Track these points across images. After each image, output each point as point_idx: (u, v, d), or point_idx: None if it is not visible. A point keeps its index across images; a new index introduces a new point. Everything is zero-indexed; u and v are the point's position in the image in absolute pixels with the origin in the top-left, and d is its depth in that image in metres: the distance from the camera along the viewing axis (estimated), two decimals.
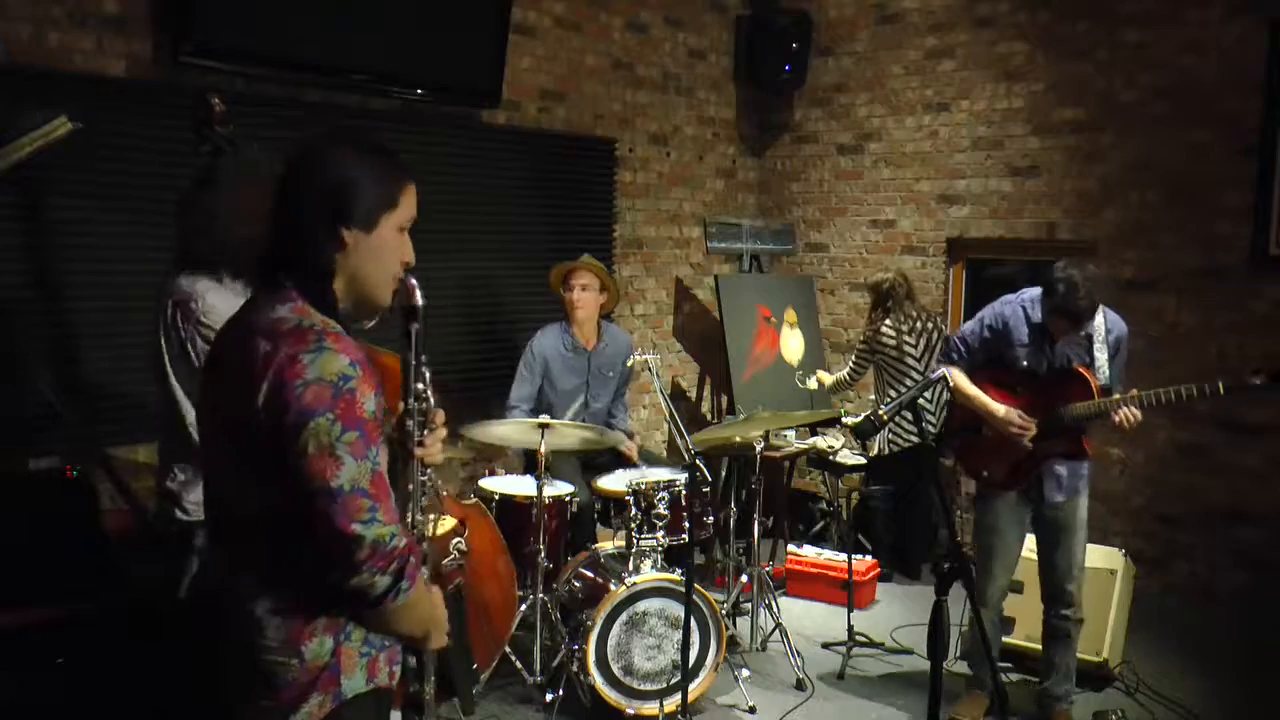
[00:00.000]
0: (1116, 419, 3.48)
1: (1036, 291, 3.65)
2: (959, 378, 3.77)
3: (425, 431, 1.84)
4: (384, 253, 1.76)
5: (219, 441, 1.73)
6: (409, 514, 1.83)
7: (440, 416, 1.88)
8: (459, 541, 3.37)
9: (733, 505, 4.94)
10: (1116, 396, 3.53)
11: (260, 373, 1.60)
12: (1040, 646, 3.91)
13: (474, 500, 4.01)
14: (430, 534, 1.95)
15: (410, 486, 1.83)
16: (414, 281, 1.81)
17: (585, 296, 4.62)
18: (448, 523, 3.40)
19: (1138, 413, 3.47)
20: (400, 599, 1.66)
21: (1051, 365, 3.65)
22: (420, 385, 1.83)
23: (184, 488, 2.65)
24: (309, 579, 1.65)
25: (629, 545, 3.86)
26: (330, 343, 1.63)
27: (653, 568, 3.82)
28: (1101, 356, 3.61)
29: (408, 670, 1.86)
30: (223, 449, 1.71)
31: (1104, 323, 3.62)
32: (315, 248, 1.71)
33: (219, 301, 2.56)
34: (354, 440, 1.60)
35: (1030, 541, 3.90)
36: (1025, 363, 3.67)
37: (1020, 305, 3.70)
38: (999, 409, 3.66)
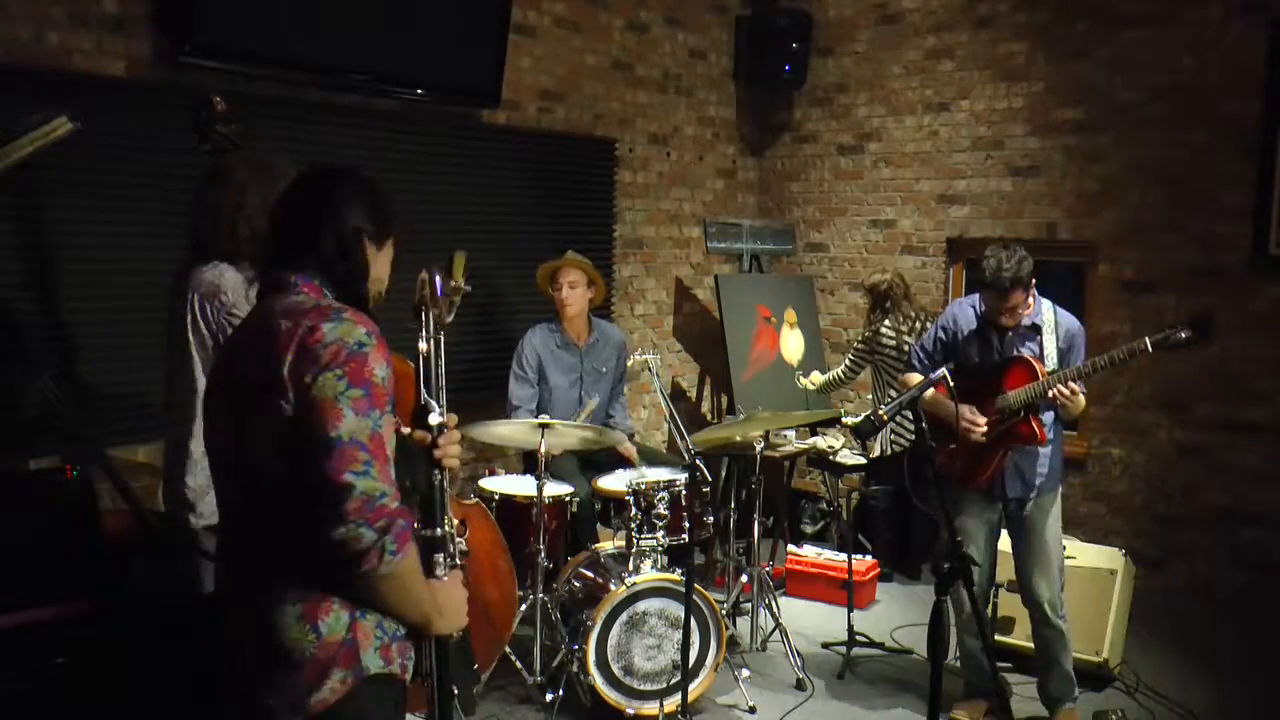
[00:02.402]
0: (1051, 394, 3.50)
1: None
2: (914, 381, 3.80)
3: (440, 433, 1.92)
4: (388, 263, 1.97)
5: (234, 422, 1.78)
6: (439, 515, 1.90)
7: (453, 419, 1.96)
8: (459, 541, 3.36)
9: (733, 505, 4.94)
10: (1051, 374, 3.55)
11: (285, 344, 1.70)
12: None
13: (474, 500, 4.01)
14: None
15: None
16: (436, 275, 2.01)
17: (574, 294, 4.64)
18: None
19: (1072, 385, 3.49)
20: (387, 562, 1.65)
21: (1002, 357, 3.70)
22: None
23: (199, 496, 2.65)
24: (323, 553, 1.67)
25: (629, 545, 3.86)
26: (349, 315, 1.75)
27: (653, 568, 3.82)
28: (1050, 345, 3.65)
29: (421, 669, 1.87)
30: (239, 429, 1.76)
31: (1054, 317, 3.69)
32: (352, 251, 1.88)
33: (246, 291, 2.54)
34: (358, 397, 1.67)
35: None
36: (977, 359, 3.73)
37: (969, 304, 3.81)
38: (950, 406, 3.68)
